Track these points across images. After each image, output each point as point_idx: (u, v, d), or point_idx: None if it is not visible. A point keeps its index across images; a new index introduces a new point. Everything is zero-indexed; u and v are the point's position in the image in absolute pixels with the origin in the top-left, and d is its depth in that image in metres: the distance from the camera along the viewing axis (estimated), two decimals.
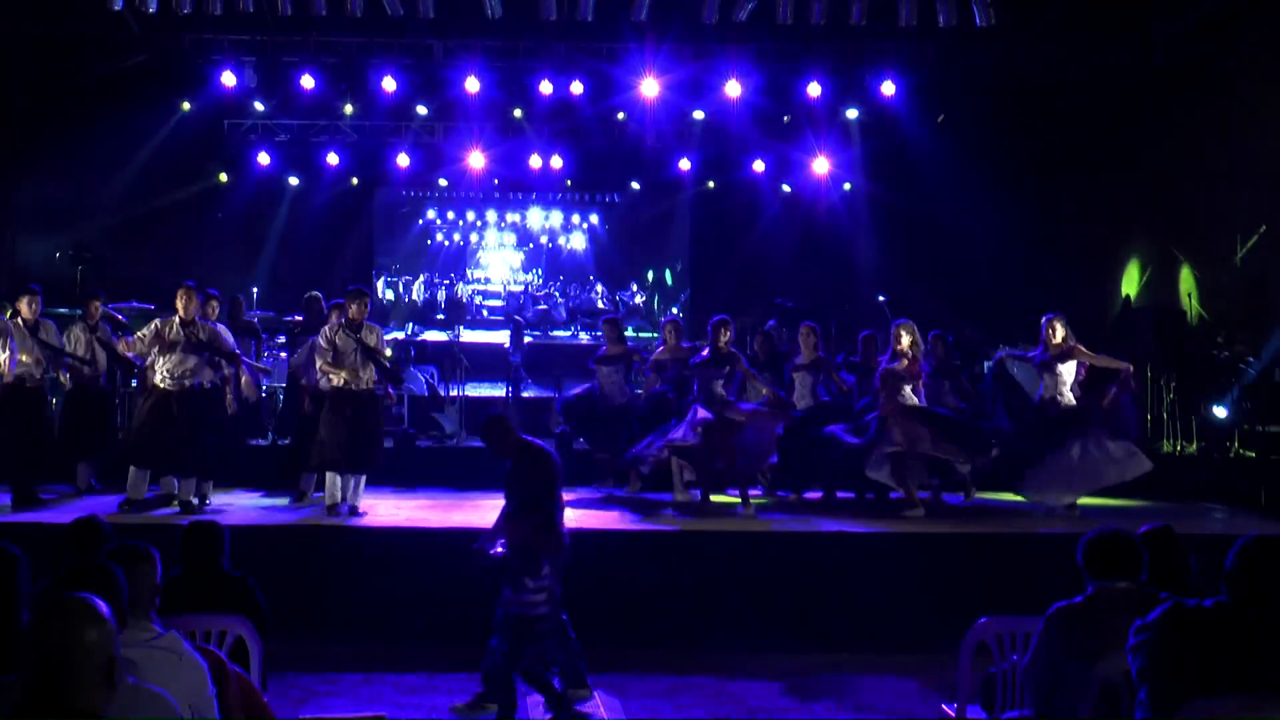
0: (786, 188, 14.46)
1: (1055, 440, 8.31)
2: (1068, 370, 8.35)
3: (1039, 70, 11.99)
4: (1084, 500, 8.89)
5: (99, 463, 9.11)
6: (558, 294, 21.51)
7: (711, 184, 15.09)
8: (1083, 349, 8.35)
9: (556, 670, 5.77)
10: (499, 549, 5.62)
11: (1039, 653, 3.73)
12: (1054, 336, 8.34)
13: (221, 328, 8.61)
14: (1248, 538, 3.01)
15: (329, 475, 8.21)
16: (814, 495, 9.24)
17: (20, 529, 7.44)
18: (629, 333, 14.72)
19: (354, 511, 8.23)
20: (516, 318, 15.03)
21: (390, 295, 19.75)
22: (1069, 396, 8.37)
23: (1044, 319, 8.46)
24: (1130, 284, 11.91)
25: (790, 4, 11.04)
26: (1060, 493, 8.41)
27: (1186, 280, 11.13)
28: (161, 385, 8.17)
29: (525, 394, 12.54)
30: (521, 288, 22.14)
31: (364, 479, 8.42)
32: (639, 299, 19.55)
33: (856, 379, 9.18)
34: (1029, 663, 3.84)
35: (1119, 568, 3.69)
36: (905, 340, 8.33)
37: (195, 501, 8.23)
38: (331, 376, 8.22)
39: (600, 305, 20.04)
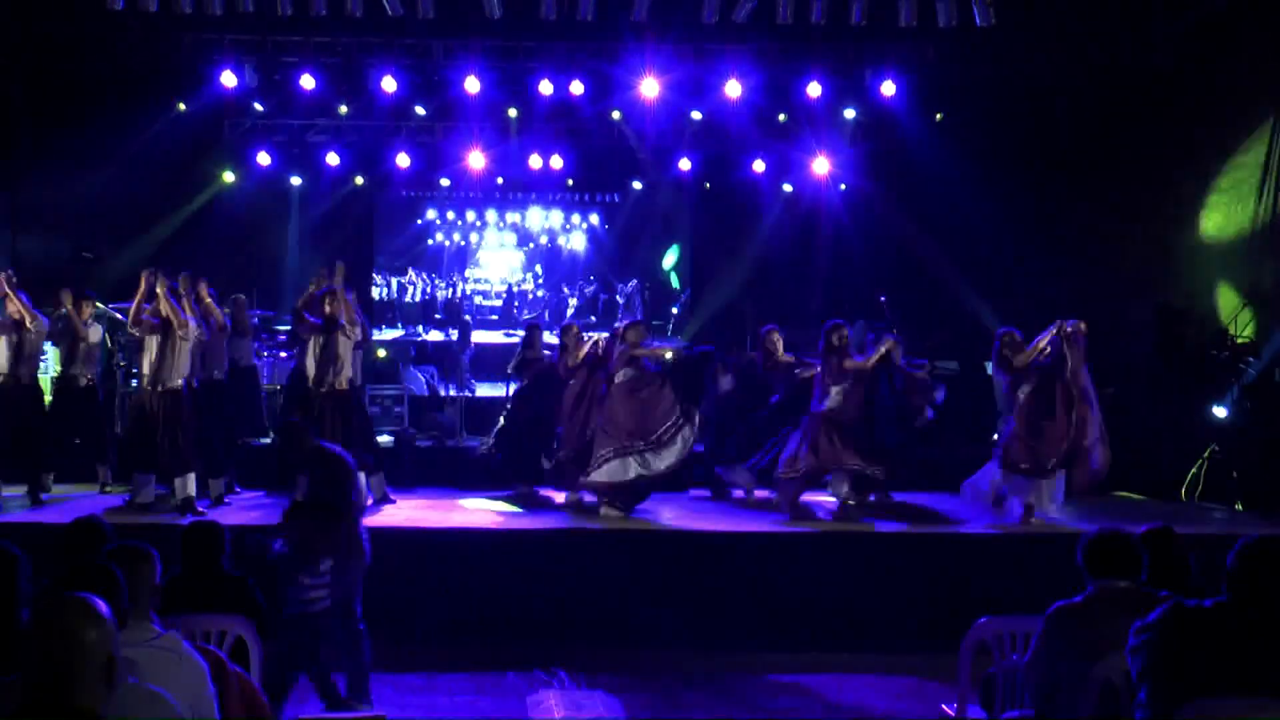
0: (788, 187, 14.44)
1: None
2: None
3: (1039, 70, 11.98)
4: (1082, 499, 8.93)
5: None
6: (544, 293, 21.51)
7: (709, 184, 15.05)
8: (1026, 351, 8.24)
9: (344, 676, 5.79)
10: (278, 547, 5.62)
11: (1039, 652, 3.73)
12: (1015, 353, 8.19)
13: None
14: (1249, 538, 3.01)
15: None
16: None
17: (20, 529, 7.46)
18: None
19: (360, 510, 8.31)
20: (466, 318, 15.08)
21: (390, 295, 19.75)
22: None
23: (998, 333, 8.35)
24: (1223, 207, 11.05)
25: (790, 4, 11.03)
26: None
27: (1226, 295, 10.91)
28: (145, 386, 8.23)
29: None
30: (511, 287, 22.09)
31: (363, 475, 8.45)
32: (619, 299, 19.39)
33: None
34: (1029, 662, 3.84)
35: (1119, 567, 3.70)
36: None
37: (194, 497, 8.25)
38: (311, 376, 8.39)
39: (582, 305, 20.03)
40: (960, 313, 12.30)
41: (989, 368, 8.68)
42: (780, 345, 9.19)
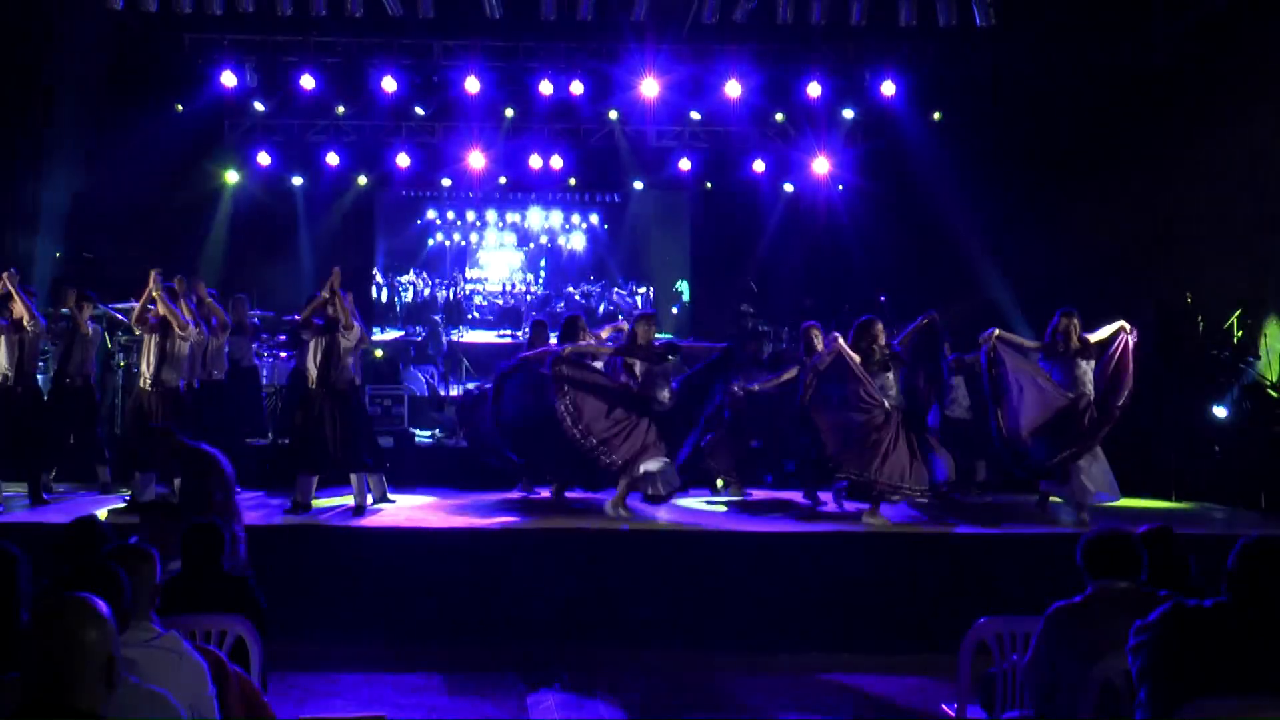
0: (789, 187, 14.45)
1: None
2: (1089, 366, 8.24)
3: (1039, 70, 11.98)
4: None
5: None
6: (544, 291, 21.48)
7: (710, 184, 15.05)
8: (1088, 338, 8.26)
9: None
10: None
11: (1039, 652, 3.73)
12: (1074, 334, 8.20)
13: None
14: (1249, 537, 3.01)
15: (353, 476, 8.41)
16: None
17: (20, 529, 7.45)
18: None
19: (359, 510, 8.32)
20: (435, 318, 15.09)
21: (390, 295, 19.73)
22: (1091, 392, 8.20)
23: (1059, 313, 8.31)
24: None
25: (790, 4, 11.03)
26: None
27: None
28: (144, 387, 8.23)
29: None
30: (505, 286, 22.08)
31: (363, 475, 8.47)
32: (629, 299, 19.39)
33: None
34: (1029, 662, 3.84)
35: (1119, 568, 3.70)
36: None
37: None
38: (311, 377, 8.38)
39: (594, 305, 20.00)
40: (960, 313, 12.29)
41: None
42: (821, 341, 9.14)
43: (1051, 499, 8.60)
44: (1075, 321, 8.22)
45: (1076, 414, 8.13)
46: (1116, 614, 3.51)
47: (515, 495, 9.31)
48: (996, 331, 8.36)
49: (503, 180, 15.05)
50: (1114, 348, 8.19)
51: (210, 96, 12.35)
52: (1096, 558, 3.73)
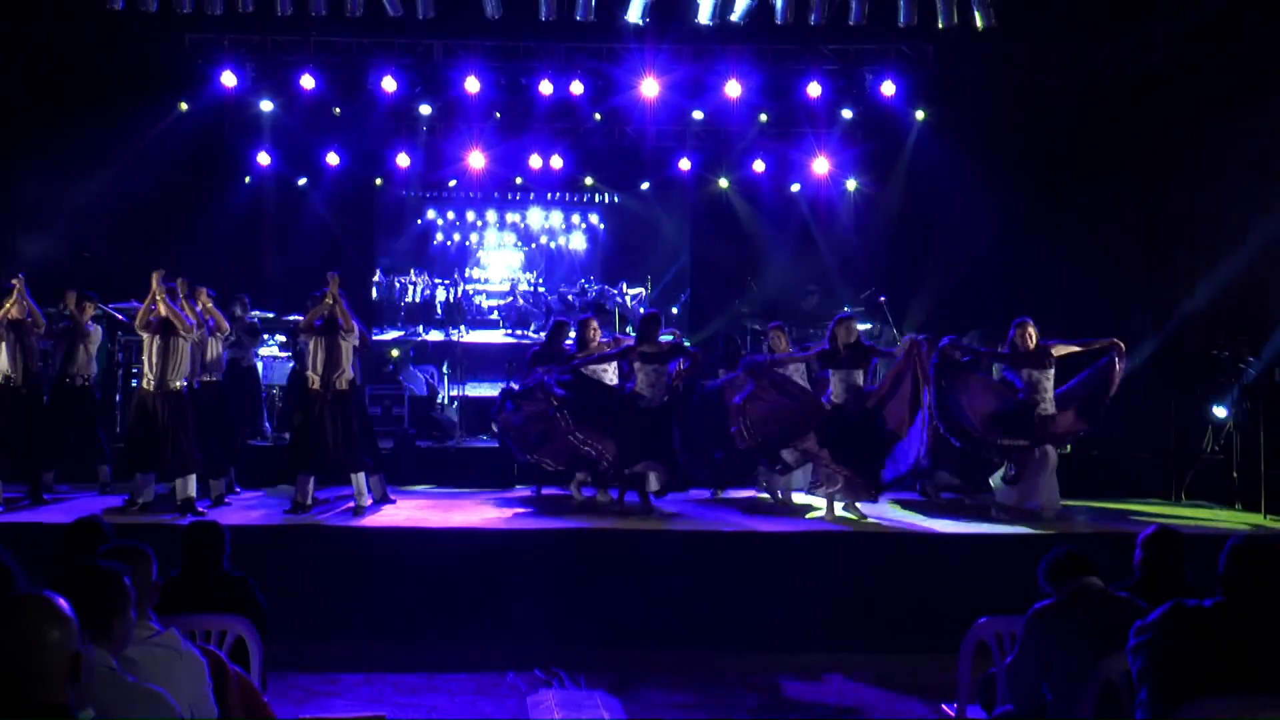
0: (796, 187, 14.45)
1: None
2: (1047, 374, 8.34)
3: (1039, 70, 11.97)
4: (1082, 502, 8.96)
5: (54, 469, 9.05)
6: (543, 292, 21.51)
7: (725, 182, 14.97)
8: (1061, 347, 8.37)
9: None
10: None
11: (1025, 652, 3.80)
12: (1029, 342, 8.31)
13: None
14: (1237, 538, 3.06)
15: (353, 476, 8.43)
16: None
17: (20, 529, 7.46)
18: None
19: (359, 510, 8.32)
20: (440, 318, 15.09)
21: (394, 296, 19.74)
22: (1049, 401, 8.31)
23: (1014, 324, 8.43)
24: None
25: (790, 4, 11.03)
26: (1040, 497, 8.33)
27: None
28: (146, 388, 8.25)
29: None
30: (515, 285, 22.07)
31: (363, 475, 8.48)
32: (629, 299, 19.37)
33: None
34: (1010, 662, 3.91)
35: (1079, 571, 3.88)
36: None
37: (194, 497, 8.23)
38: (313, 378, 8.36)
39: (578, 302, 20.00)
40: (960, 313, 12.29)
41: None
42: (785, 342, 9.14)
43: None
44: (1030, 330, 8.34)
45: (1029, 413, 8.26)
46: (1096, 609, 3.70)
47: (514, 495, 9.30)
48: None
49: (519, 181, 15.05)
50: (1102, 361, 8.33)
51: (210, 96, 12.33)
52: (1055, 572, 3.95)
